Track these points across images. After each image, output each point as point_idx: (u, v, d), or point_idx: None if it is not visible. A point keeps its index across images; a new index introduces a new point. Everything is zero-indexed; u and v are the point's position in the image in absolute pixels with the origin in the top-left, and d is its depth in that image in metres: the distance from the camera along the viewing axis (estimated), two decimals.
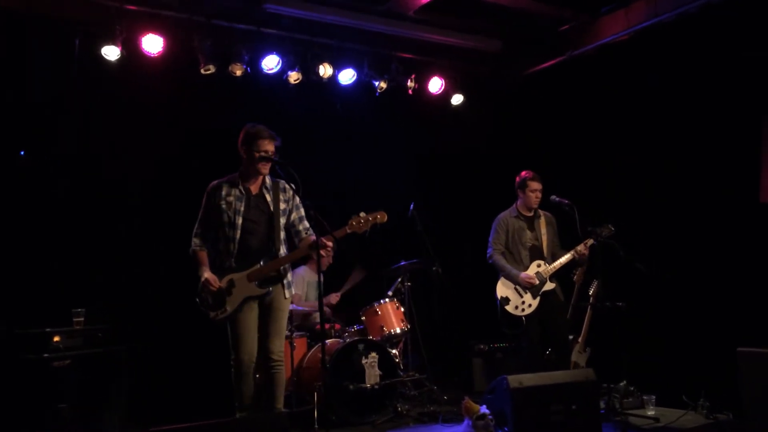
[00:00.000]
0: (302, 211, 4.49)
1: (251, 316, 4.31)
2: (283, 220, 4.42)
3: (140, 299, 5.69)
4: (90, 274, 5.59)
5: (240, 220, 4.30)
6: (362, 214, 4.24)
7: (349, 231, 4.26)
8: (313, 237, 4.32)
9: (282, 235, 4.41)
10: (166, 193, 5.87)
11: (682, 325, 5.54)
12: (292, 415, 4.92)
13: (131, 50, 5.51)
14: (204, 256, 4.35)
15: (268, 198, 4.40)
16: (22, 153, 5.46)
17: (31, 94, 5.42)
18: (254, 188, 4.40)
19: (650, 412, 5.10)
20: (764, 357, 4.27)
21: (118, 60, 5.47)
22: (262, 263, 4.28)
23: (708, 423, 4.85)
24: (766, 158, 5.21)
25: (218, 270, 4.31)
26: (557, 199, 5.41)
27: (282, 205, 4.42)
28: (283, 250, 4.41)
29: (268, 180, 4.45)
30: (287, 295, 4.41)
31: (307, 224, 4.49)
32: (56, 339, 4.69)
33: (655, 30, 5.85)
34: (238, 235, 4.29)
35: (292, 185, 4.34)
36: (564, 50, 6.60)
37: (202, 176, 4.62)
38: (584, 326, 5.54)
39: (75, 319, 4.89)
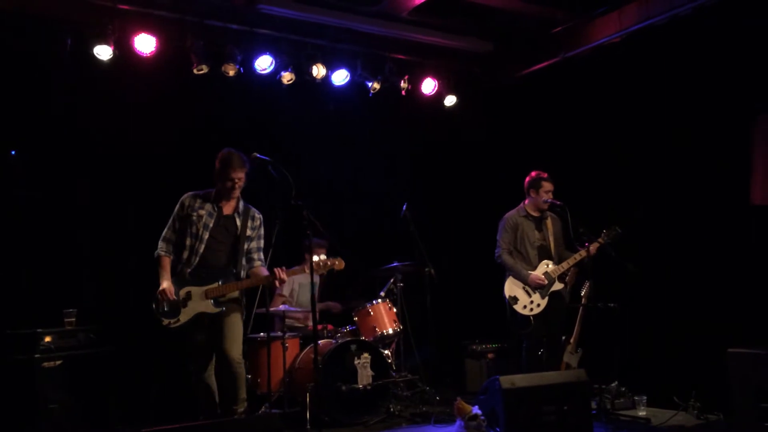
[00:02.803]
0: (262, 243, 4.68)
1: (201, 335, 4.44)
2: (246, 246, 4.57)
3: (132, 299, 5.66)
4: (82, 275, 5.57)
5: (206, 235, 4.45)
6: (322, 257, 4.50)
7: (306, 271, 4.48)
8: (264, 269, 4.57)
9: (243, 260, 4.57)
10: (159, 193, 5.83)
11: (673, 326, 5.56)
12: (284, 416, 4.92)
13: (123, 50, 5.49)
14: (168, 262, 4.47)
15: (238, 222, 4.55)
16: (13, 152, 5.44)
17: (23, 93, 5.39)
18: (227, 209, 4.55)
19: (641, 413, 5.13)
20: (754, 358, 4.29)
21: (110, 59, 5.46)
22: (220, 282, 4.40)
23: (698, 423, 4.88)
24: (757, 160, 5.24)
25: (176, 277, 4.44)
26: (549, 200, 5.43)
27: (248, 232, 4.58)
28: (243, 274, 4.55)
29: (241, 205, 4.60)
30: (243, 315, 4.57)
31: (262, 256, 4.66)
32: (47, 339, 4.68)
33: (648, 32, 5.87)
34: (201, 249, 4.43)
35: (261, 217, 4.59)
36: (557, 52, 6.61)
37: (194, 176, 4.62)
38: (576, 327, 5.56)
39: (66, 320, 4.88)
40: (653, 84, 5.87)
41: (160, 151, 5.83)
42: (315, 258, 4.42)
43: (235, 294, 4.49)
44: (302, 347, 5.57)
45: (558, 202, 5.37)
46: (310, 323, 5.52)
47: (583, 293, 5.55)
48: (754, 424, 4.23)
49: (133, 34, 5.50)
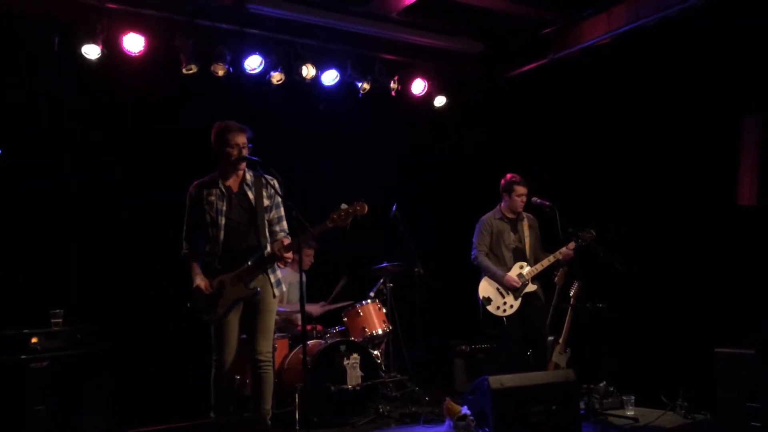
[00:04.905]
0: (282, 211, 4.42)
1: (236, 318, 4.29)
2: (267, 216, 4.37)
3: (120, 300, 5.64)
4: (69, 275, 5.53)
5: (223, 220, 4.24)
6: (343, 206, 4.13)
7: (330, 225, 4.14)
8: (286, 240, 4.30)
9: (267, 231, 4.36)
10: (147, 193, 5.82)
11: (661, 325, 5.59)
12: (273, 417, 4.91)
13: (112, 49, 5.46)
14: (194, 260, 4.30)
15: (250, 195, 4.34)
16: (0, 152, 5.40)
17: (9, 92, 5.35)
18: (235, 186, 4.34)
19: (629, 413, 5.15)
20: (741, 357, 4.32)
21: (98, 59, 5.42)
22: (250, 263, 4.23)
23: (686, 423, 4.92)
24: (744, 160, 5.27)
25: (206, 270, 4.26)
26: (538, 200, 5.46)
27: (266, 202, 4.36)
28: (269, 247, 4.35)
29: (249, 176, 4.38)
30: (276, 294, 4.37)
31: (284, 226, 4.42)
32: (34, 340, 4.63)
33: (637, 33, 5.90)
34: (221, 236, 4.23)
35: (275, 182, 4.33)
36: (546, 53, 6.64)
37: (183, 176, 4.58)
38: (565, 327, 5.57)
39: (53, 320, 4.83)
40: (643, 85, 5.90)
41: (148, 151, 5.80)
42: (344, 206, 4.10)
43: (269, 272, 4.28)
44: (291, 348, 5.56)
45: (547, 203, 5.39)
46: (299, 323, 5.51)
47: (571, 293, 5.57)
48: (741, 423, 4.26)
49: (122, 33, 5.47)
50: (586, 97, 6.31)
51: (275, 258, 4.23)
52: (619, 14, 5.99)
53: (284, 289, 4.56)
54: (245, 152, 4.26)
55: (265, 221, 4.35)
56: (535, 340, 5.50)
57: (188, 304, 4.26)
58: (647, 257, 5.71)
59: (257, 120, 6.34)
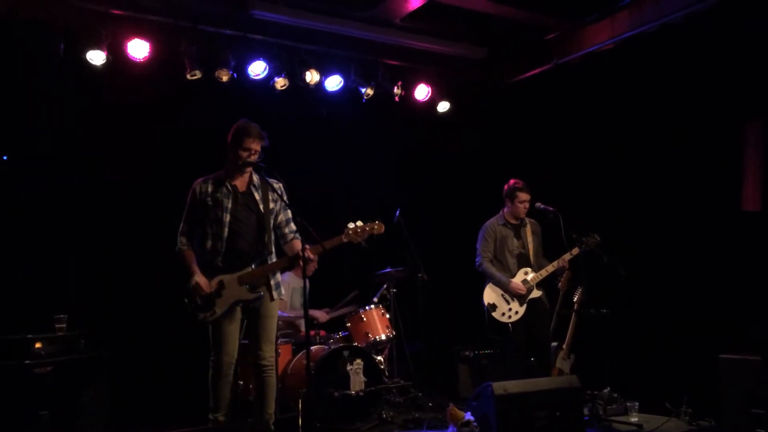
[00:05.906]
0: (289, 213, 4.40)
1: (235, 319, 4.27)
2: (272, 219, 4.36)
3: (121, 302, 5.66)
4: (70, 278, 5.55)
5: (228, 218, 4.23)
6: (359, 223, 4.14)
7: (345, 240, 4.17)
8: (298, 242, 4.29)
9: (272, 236, 4.35)
10: (150, 197, 5.84)
11: (666, 331, 5.58)
12: (276, 422, 4.90)
13: (117, 55, 5.48)
14: (192, 256, 4.26)
15: (257, 196, 4.34)
16: (5, 158, 5.42)
17: (14, 98, 5.38)
18: (241, 186, 4.33)
19: (633, 419, 5.13)
20: (745, 364, 4.31)
21: (103, 65, 5.44)
22: (253, 266, 4.22)
23: (690, 429, 4.90)
24: (748, 166, 5.27)
25: (205, 269, 4.23)
26: (542, 206, 5.47)
27: (271, 205, 4.35)
28: (273, 252, 4.36)
29: (255, 178, 4.37)
30: (275, 297, 4.35)
31: (294, 227, 4.41)
32: (38, 345, 4.64)
33: (640, 39, 5.91)
34: (225, 234, 4.22)
35: (279, 185, 4.34)
36: (549, 58, 6.65)
37: (185, 180, 4.60)
38: (569, 333, 5.57)
39: (57, 326, 4.85)
40: (646, 90, 5.91)
41: (151, 156, 5.82)
42: (351, 225, 4.11)
43: (270, 277, 4.27)
44: (294, 353, 5.55)
45: (551, 209, 5.40)
46: (303, 329, 5.51)
47: (575, 299, 5.56)
48: (745, 430, 4.24)
49: (127, 39, 5.49)
50: (589, 102, 6.32)
51: (291, 261, 4.26)
52: (622, 20, 6.00)
53: (283, 292, 4.56)
54: (253, 158, 4.26)
55: (271, 224, 4.36)
56: (539, 346, 5.50)
57: (185, 300, 4.22)
58: (651, 262, 5.70)
59: (261, 125, 6.37)
